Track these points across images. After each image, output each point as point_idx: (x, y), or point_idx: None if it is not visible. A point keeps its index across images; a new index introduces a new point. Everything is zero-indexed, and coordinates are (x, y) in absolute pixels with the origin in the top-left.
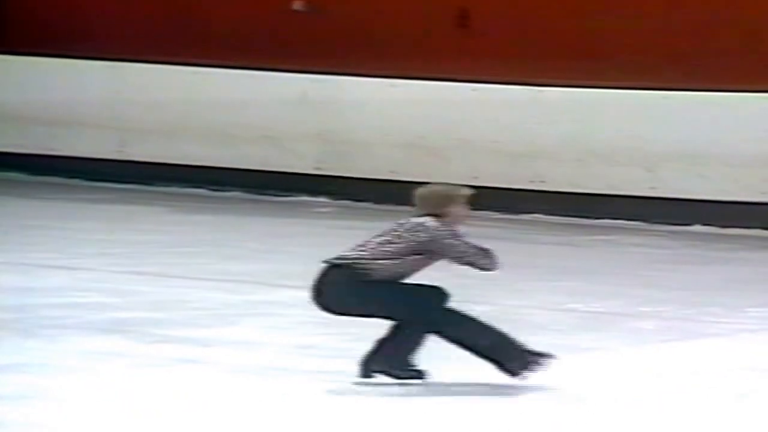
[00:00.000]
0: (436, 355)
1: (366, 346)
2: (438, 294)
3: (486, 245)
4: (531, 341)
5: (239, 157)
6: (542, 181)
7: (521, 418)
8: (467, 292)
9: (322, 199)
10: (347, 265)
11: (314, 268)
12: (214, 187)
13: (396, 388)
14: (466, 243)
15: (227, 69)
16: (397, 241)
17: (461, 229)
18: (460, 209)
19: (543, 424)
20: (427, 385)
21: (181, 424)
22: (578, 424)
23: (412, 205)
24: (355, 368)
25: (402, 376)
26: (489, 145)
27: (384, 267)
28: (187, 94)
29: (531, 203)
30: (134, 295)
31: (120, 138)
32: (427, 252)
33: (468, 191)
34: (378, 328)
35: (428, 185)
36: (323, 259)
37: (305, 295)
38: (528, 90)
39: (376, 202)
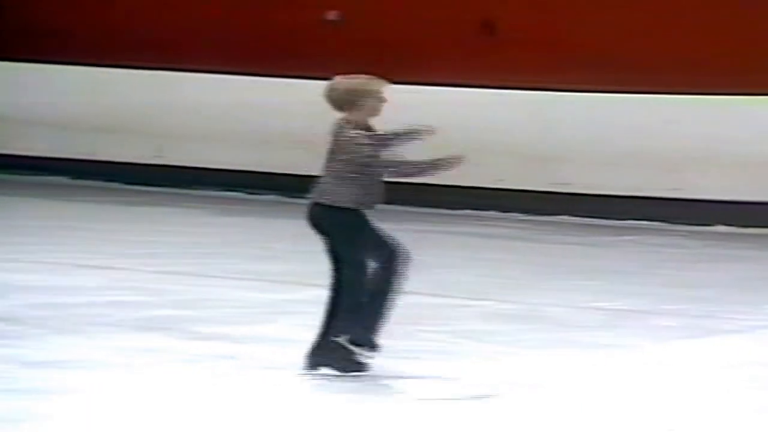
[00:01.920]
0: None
1: (396, 343)
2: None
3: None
4: (557, 338)
5: (272, 161)
6: (566, 184)
7: (546, 414)
8: (494, 291)
9: None
10: (318, 203)
11: None
12: (248, 191)
13: (428, 386)
14: (397, 156)
15: (262, 77)
16: (338, 166)
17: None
18: (374, 102)
19: (568, 419)
20: (442, 383)
21: (217, 418)
22: (603, 420)
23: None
24: (384, 363)
25: (347, 369)
26: (514, 149)
27: (341, 194)
28: (222, 101)
29: (556, 205)
30: (170, 294)
31: (158, 143)
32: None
33: (382, 82)
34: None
35: (338, 80)
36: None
37: None
38: (551, 95)
39: (404, 204)
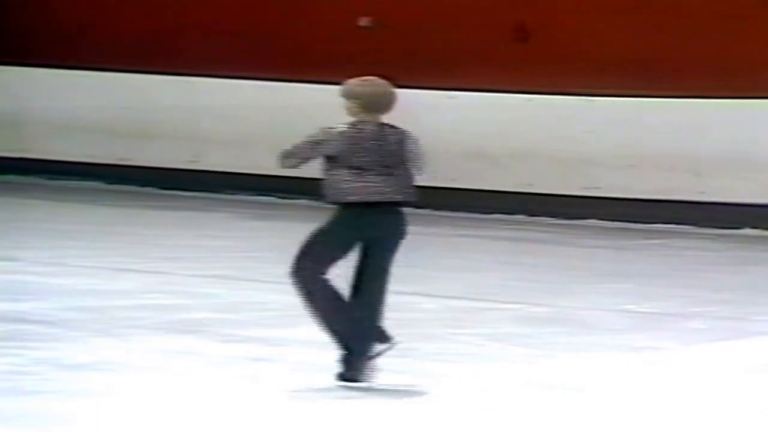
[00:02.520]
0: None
1: (428, 345)
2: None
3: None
4: (587, 341)
5: (305, 166)
6: (596, 188)
7: (577, 416)
8: (525, 294)
9: None
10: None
11: None
12: (282, 195)
13: (460, 388)
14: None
15: (295, 83)
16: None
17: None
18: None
19: (598, 421)
20: (474, 385)
21: (252, 420)
22: (632, 422)
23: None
24: (417, 366)
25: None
26: (544, 154)
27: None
28: (257, 107)
29: (586, 209)
30: (205, 297)
31: (194, 148)
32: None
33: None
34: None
35: (375, 82)
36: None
37: None
38: (582, 100)
39: (436, 208)
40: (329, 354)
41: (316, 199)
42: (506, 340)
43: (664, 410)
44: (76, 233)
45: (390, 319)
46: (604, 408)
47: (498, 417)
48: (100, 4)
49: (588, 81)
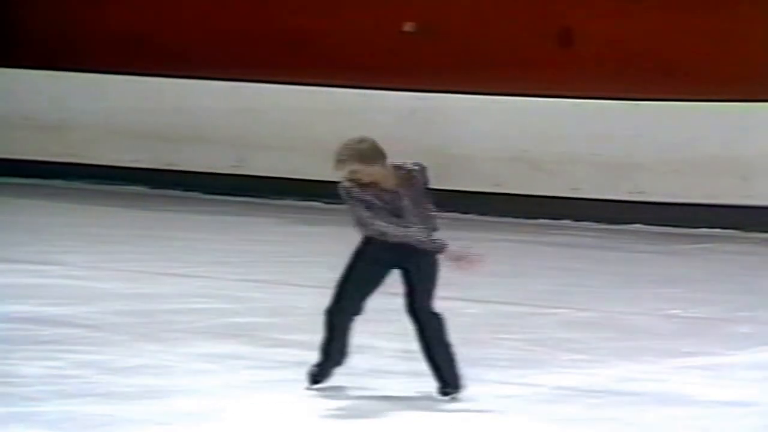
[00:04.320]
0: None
1: (473, 351)
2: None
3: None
4: (633, 346)
5: None
6: (641, 192)
7: (623, 421)
8: (569, 299)
9: None
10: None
11: None
12: (327, 200)
13: (505, 393)
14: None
15: (340, 88)
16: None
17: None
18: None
19: (646, 426)
20: (519, 390)
21: (295, 424)
22: (681, 428)
23: (513, 214)
24: (463, 371)
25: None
26: (589, 158)
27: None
28: (301, 111)
29: (631, 214)
30: (250, 301)
31: (237, 153)
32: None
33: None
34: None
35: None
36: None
37: None
38: (626, 104)
39: (481, 213)
40: (372, 358)
41: None
42: (552, 345)
43: (716, 417)
44: (119, 237)
45: None
46: (650, 413)
47: (542, 421)
48: (146, 10)
49: (633, 85)
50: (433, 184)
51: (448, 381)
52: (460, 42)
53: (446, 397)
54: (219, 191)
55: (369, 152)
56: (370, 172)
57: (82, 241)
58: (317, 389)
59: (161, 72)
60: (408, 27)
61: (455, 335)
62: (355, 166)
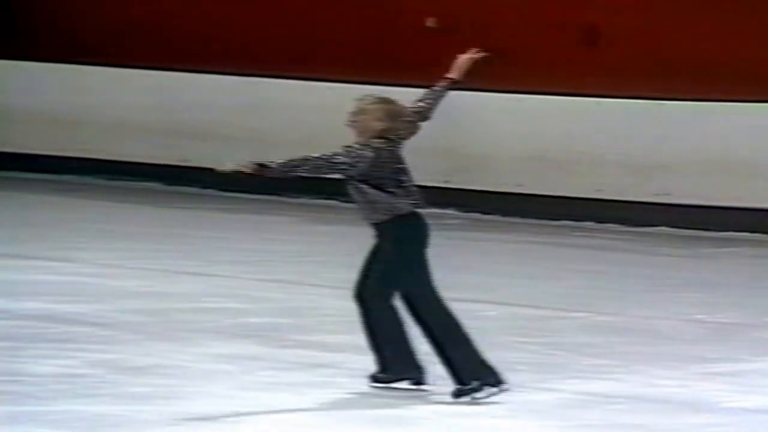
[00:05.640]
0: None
1: (493, 354)
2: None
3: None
4: (657, 351)
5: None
6: (667, 194)
7: (646, 427)
8: (591, 302)
9: (450, 211)
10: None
11: (443, 278)
12: (345, 199)
13: (525, 397)
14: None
15: (361, 84)
16: None
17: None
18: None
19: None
20: (539, 394)
21: (312, 426)
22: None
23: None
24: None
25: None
26: (613, 159)
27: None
28: (321, 109)
29: (656, 216)
30: (266, 301)
31: (256, 150)
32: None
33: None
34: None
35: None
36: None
37: None
38: (651, 104)
39: (503, 214)
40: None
41: None
42: (573, 349)
43: (741, 424)
44: (134, 235)
45: None
46: (673, 420)
47: (563, 425)
48: (164, 3)
49: (658, 84)
50: (454, 184)
51: (465, 381)
52: (483, 39)
53: (465, 398)
54: (235, 188)
55: (396, 107)
56: (398, 126)
57: (95, 237)
58: (337, 393)
59: (177, 67)
60: (430, 22)
61: (474, 338)
62: (386, 124)
